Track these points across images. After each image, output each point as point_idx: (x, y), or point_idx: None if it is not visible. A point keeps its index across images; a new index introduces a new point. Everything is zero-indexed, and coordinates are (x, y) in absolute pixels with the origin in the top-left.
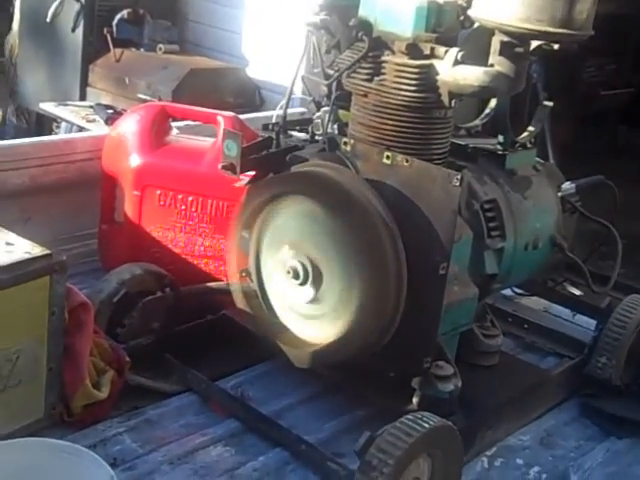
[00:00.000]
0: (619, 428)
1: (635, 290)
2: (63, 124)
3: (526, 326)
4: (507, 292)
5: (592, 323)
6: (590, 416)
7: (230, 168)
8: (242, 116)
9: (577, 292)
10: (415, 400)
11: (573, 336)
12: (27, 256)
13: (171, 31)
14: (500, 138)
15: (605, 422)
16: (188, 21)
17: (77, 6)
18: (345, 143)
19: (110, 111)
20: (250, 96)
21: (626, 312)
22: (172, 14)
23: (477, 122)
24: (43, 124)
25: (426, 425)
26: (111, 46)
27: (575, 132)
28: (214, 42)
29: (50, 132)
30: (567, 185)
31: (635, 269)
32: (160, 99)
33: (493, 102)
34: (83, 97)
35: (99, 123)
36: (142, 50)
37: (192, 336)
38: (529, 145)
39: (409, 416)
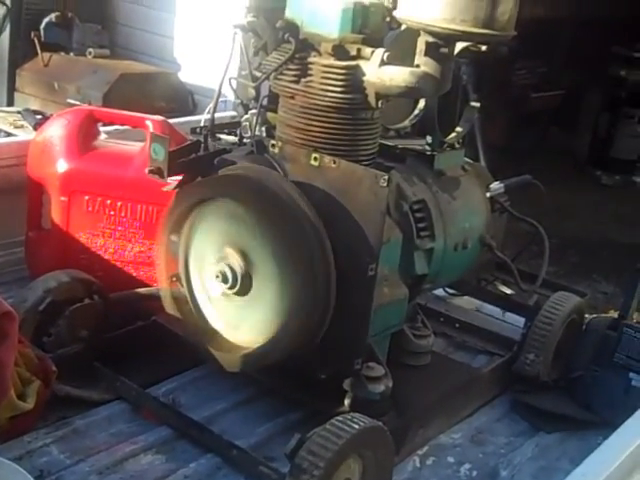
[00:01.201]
0: (548, 423)
1: (562, 288)
2: None
3: (457, 325)
4: (439, 292)
5: (522, 321)
6: (520, 412)
7: (157, 172)
8: (172, 120)
9: (508, 291)
10: (347, 402)
11: (503, 334)
12: None
13: (101, 35)
14: (428, 139)
15: (534, 418)
16: (118, 25)
17: (3, 9)
18: (273, 145)
19: (39, 117)
20: (183, 101)
21: (553, 309)
22: (102, 17)
23: (406, 123)
24: None
25: (356, 426)
26: (39, 50)
27: (507, 133)
28: (145, 46)
29: None
30: (496, 185)
31: (566, 267)
32: (90, 104)
33: (422, 103)
34: (11, 102)
35: (27, 129)
36: (71, 54)
37: (122, 343)
38: (457, 145)
39: (339, 418)
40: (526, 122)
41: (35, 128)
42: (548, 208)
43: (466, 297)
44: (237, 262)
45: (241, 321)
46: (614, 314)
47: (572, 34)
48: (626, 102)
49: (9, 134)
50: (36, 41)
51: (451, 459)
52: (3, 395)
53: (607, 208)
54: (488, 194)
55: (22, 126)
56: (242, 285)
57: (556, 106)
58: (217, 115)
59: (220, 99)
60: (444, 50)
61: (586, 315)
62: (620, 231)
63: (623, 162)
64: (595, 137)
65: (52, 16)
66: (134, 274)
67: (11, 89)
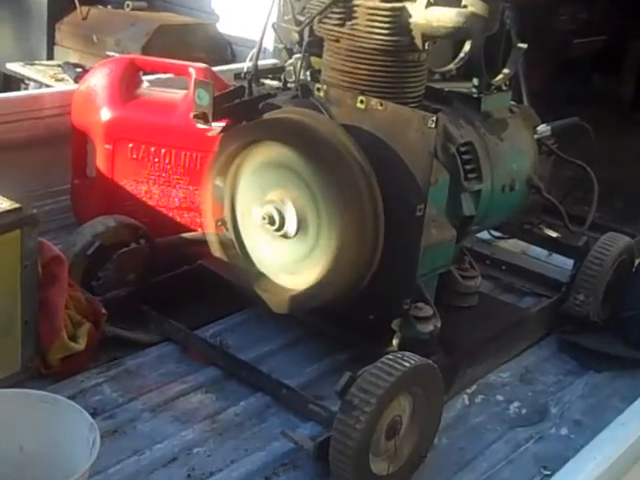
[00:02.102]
0: (597, 362)
1: (611, 229)
2: (32, 84)
3: (504, 267)
4: (485, 235)
5: (569, 264)
6: (569, 352)
7: (202, 117)
8: (214, 68)
9: (554, 234)
10: (395, 342)
11: (550, 276)
12: None
13: None
14: (475, 81)
15: (584, 357)
16: None
17: None
18: (318, 89)
19: (79, 69)
20: (221, 52)
21: (603, 249)
22: None
23: (451, 66)
24: (11, 85)
25: (406, 364)
26: (77, 4)
27: (549, 79)
28: None
29: None
30: (543, 127)
31: (611, 213)
32: None
33: (467, 45)
34: (51, 56)
35: (68, 82)
36: (109, 7)
37: (169, 287)
38: (504, 88)
39: (389, 356)
40: (568, 68)
41: (75, 81)
42: (593, 153)
43: (512, 240)
44: (284, 204)
45: (288, 263)
46: None
47: None
48: None
49: (50, 87)
50: None
51: (500, 397)
52: (55, 336)
53: None
54: (535, 136)
55: (63, 79)
56: (289, 227)
57: (598, 52)
58: (259, 63)
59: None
60: None
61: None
62: None
63: None
64: (639, 83)
65: None
66: (178, 219)
67: (50, 43)
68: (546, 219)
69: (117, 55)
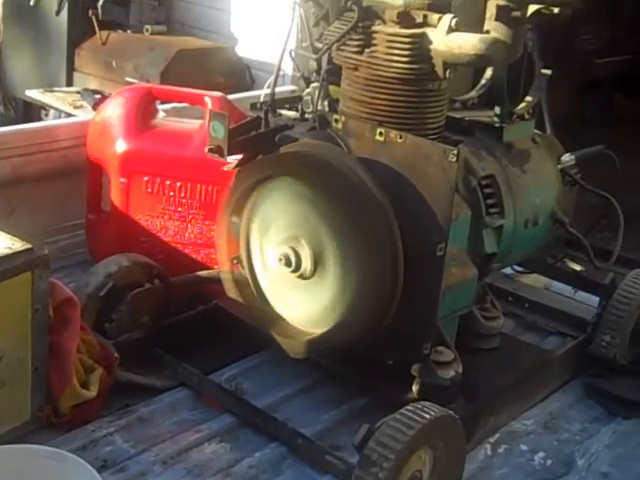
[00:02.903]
0: (625, 409)
1: (638, 264)
2: (52, 111)
3: (527, 305)
4: (507, 270)
5: (594, 300)
6: (595, 397)
7: (217, 151)
8: (231, 96)
9: (578, 267)
10: (415, 388)
11: (575, 314)
12: (7, 251)
13: (158, 11)
14: (497, 110)
15: (610, 403)
16: (175, 0)
17: None
18: (336, 120)
19: (97, 96)
20: (240, 76)
21: (630, 287)
22: None
23: (473, 94)
24: (31, 112)
25: (427, 416)
26: (97, 29)
27: (571, 101)
28: (202, 21)
29: (39, 120)
30: (567, 157)
31: (635, 241)
32: (148, 81)
33: (489, 72)
34: (70, 82)
35: (87, 109)
36: (129, 32)
37: (183, 328)
38: (527, 116)
39: (409, 407)
40: (590, 89)
41: (94, 108)
42: (618, 179)
43: (534, 275)
44: (301, 244)
45: (305, 305)
46: None
47: None
48: None
49: (69, 115)
50: (94, 19)
51: (524, 447)
52: (66, 383)
53: None
54: (559, 166)
55: (81, 106)
56: (306, 268)
57: (621, 72)
58: (277, 90)
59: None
60: (516, 14)
61: None
62: None
63: None
64: None
65: None
66: (194, 256)
67: (70, 69)
68: (570, 252)
69: (136, 81)
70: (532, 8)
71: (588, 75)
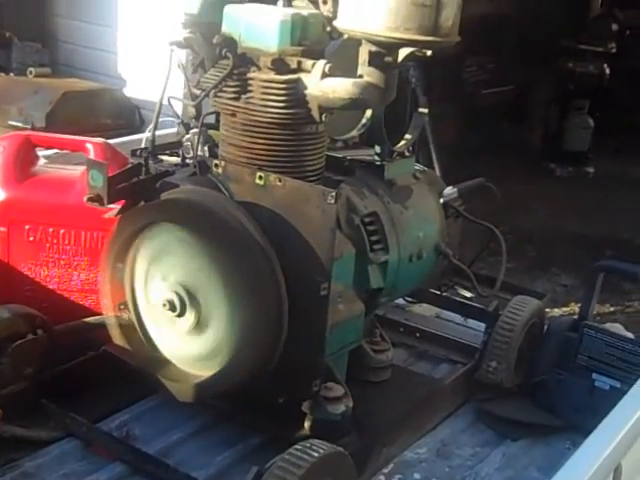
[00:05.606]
0: (513, 431)
1: (521, 290)
2: None
3: (418, 335)
4: (398, 300)
5: (484, 326)
6: (485, 421)
7: (97, 199)
8: (115, 140)
9: (468, 294)
10: (307, 424)
11: (465, 341)
12: None
13: (41, 53)
14: (377, 148)
15: (499, 426)
16: (59, 42)
17: None
18: (216, 165)
19: None
20: (129, 116)
21: (513, 314)
22: (41, 36)
23: (354, 133)
24: None
25: (315, 454)
26: None
27: (459, 131)
28: (88, 62)
29: None
30: (449, 190)
31: (525, 262)
32: (33, 125)
33: (369, 112)
34: None
35: None
36: (11, 74)
37: (71, 377)
38: (407, 153)
39: (297, 446)
40: (477, 119)
41: None
42: (503, 204)
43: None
44: (184, 289)
45: (192, 348)
46: (575, 307)
47: (520, 29)
48: (575, 94)
49: None
50: None
51: (417, 475)
52: None
53: (562, 200)
54: (442, 200)
55: None
56: (190, 313)
57: (507, 101)
58: (162, 133)
59: (164, 117)
60: (388, 59)
61: (547, 310)
62: (576, 222)
63: (575, 153)
64: (547, 130)
65: None
66: (82, 303)
67: None
68: (459, 281)
69: (20, 125)
70: (405, 51)
71: (475, 106)
